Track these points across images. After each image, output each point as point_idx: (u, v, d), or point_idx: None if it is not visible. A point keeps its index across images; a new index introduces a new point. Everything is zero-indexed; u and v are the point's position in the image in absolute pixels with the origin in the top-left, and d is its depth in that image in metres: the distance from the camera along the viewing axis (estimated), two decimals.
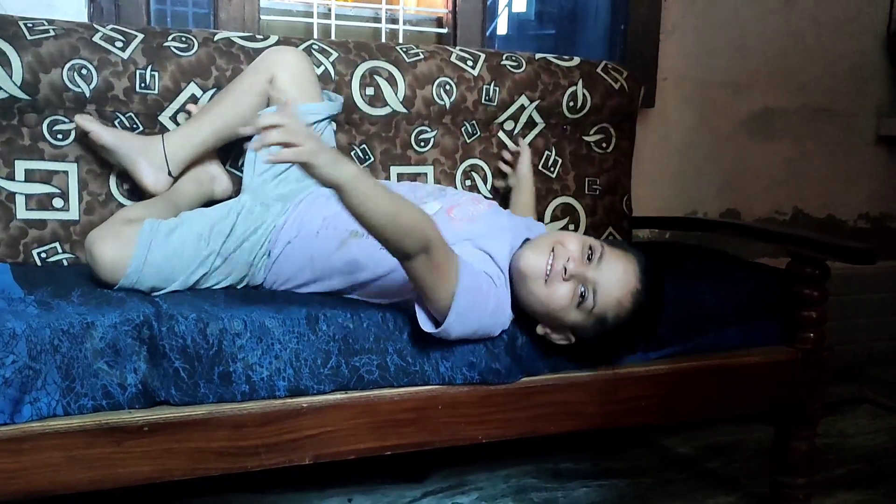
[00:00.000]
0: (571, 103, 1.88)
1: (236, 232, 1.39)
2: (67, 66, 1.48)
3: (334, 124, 1.63)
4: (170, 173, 1.48)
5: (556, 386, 1.35)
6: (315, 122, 1.54)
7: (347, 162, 1.11)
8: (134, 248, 1.28)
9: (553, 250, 1.29)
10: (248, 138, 1.55)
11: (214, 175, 1.56)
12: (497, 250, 1.33)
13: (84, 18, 1.69)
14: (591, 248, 1.29)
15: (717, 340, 1.50)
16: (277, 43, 1.65)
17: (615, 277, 1.28)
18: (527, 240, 1.39)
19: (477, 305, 1.23)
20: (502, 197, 1.82)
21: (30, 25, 1.47)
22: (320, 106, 1.56)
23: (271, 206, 1.44)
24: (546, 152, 1.89)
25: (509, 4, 4.57)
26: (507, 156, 1.82)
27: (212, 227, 1.37)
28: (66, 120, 1.51)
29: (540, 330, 1.31)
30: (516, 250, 1.35)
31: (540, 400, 1.34)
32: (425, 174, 1.78)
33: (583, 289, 1.27)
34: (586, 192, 1.93)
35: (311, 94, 1.55)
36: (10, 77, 1.44)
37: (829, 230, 2.55)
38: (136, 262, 1.28)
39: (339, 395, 1.21)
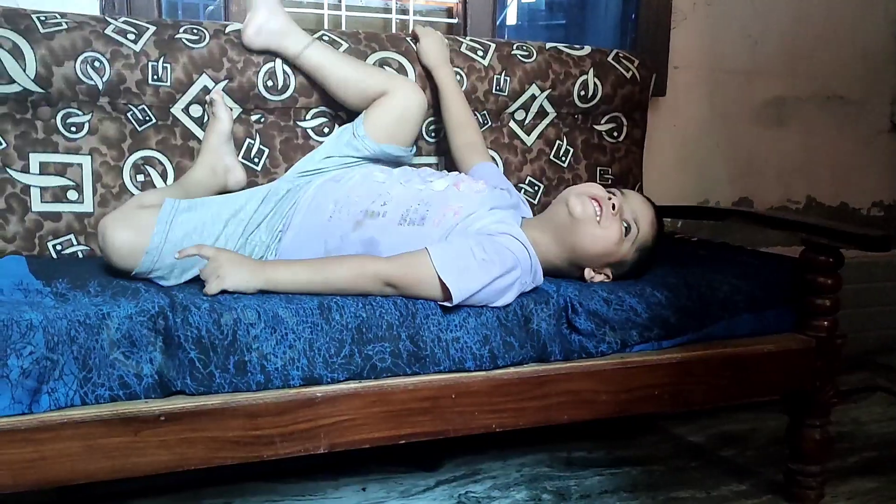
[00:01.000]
0: (583, 92, 1.87)
1: (260, 213, 1.41)
2: (80, 58, 1.49)
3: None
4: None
5: (569, 374, 1.35)
6: (363, 159, 1.57)
7: (256, 268, 1.25)
8: (150, 232, 1.29)
9: (591, 198, 1.42)
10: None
11: (229, 166, 1.57)
12: (502, 218, 1.44)
13: (96, 11, 1.69)
14: (610, 191, 1.46)
15: (730, 328, 1.50)
16: None
17: (643, 206, 1.48)
18: (524, 219, 1.52)
19: (459, 247, 1.30)
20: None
21: (42, 19, 1.48)
22: (380, 146, 1.56)
23: (298, 193, 1.47)
24: (557, 142, 1.89)
25: None
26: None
27: (236, 211, 1.39)
28: (80, 112, 1.52)
29: (587, 273, 1.45)
30: (550, 207, 1.50)
31: (552, 388, 1.34)
32: (436, 164, 1.78)
33: (627, 222, 1.43)
34: (598, 181, 1.92)
35: (399, 135, 1.58)
36: (24, 70, 1.45)
37: (842, 218, 2.54)
38: (156, 240, 1.29)
39: (353, 384, 1.21)
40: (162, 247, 1.29)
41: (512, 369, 1.31)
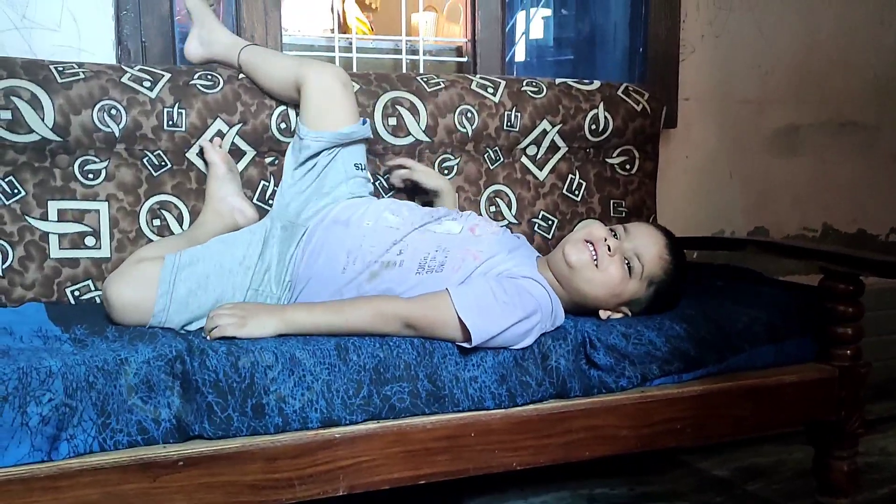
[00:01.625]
0: (593, 126, 1.88)
1: (264, 260, 1.41)
2: (97, 106, 1.51)
3: (358, 147, 1.58)
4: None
5: (589, 410, 1.33)
6: (324, 150, 1.52)
7: (275, 311, 1.26)
8: (153, 287, 1.30)
9: (587, 242, 1.42)
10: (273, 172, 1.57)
11: (236, 206, 1.56)
12: (521, 262, 1.44)
13: (113, 60, 1.72)
14: (612, 229, 1.46)
15: (751, 359, 1.49)
16: None
17: (647, 239, 1.45)
18: (537, 257, 1.52)
19: (480, 289, 1.30)
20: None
21: (60, 69, 1.51)
22: (323, 134, 1.51)
23: (296, 229, 1.46)
24: (570, 176, 1.89)
25: (527, 31, 4.62)
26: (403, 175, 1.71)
27: (240, 260, 1.38)
28: (97, 159, 1.54)
29: (603, 314, 1.43)
30: (551, 254, 1.49)
31: (573, 425, 1.32)
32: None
33: (627, 259, 1.41)
34: (612, 214, 1.92)
35: (337, 116, 1.54)
36: (43, 120, 1.47)
37: (860, 245, 2.51)
38: (161, 302, 1.29)
39: (371, 425, 1.21)
40: (168, 307, 1.30)
41: (531, 406, 1.30)
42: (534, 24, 4.56)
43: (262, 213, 1.62)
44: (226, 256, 1.39)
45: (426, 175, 1.69)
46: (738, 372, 1.47)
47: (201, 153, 1.59)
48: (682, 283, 1.48)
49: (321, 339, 1.22)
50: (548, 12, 4.51)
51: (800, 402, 1.50)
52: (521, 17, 4.43)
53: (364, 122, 1.58)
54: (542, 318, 1.31)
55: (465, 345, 1.25)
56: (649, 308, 1.45)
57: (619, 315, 1.44)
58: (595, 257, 1.41)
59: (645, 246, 1.43)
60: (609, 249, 1.40)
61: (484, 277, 1.36)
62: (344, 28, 2.54)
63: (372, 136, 1.63)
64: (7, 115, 1.45)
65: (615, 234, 1.44)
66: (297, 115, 1.58)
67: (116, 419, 1.09)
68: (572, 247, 1.42)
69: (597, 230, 1.45)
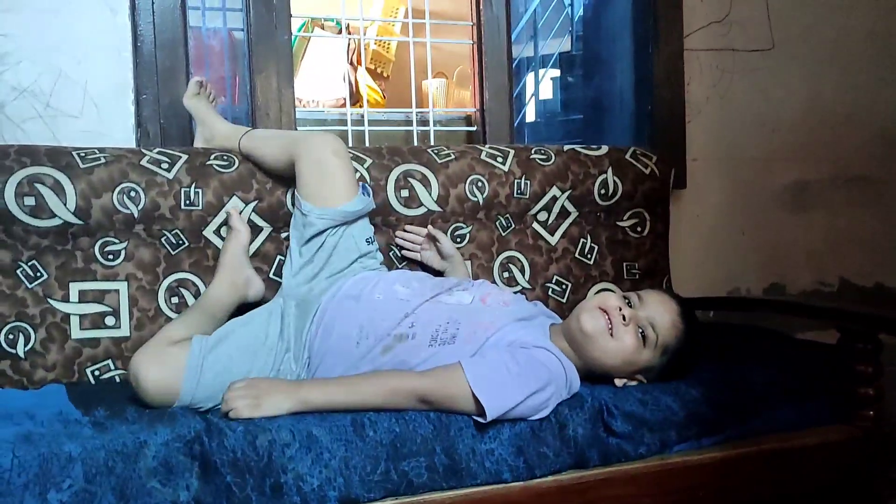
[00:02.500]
0: (603, 191, 1.90)
1: (284, 339, 1.42)
2: (117, 189, 1.56)
3: (364, 221, 1.60)
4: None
5: (609, 479, 1.32)
6: (329, 228, 1.53)
7: (290, 390, 1.26)
8: (182, 370, 1.31)
9: (602, 310, 1.42)
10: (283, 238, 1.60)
11: (249, 277, 1.60)
12: (532, 331, 1.43)
13: (133, 142, 1.78)
14: (625, 297, 1.46)
15: (771, 422, 1.47)
16: None
17: (661, 307, 1.44)
18: (552, 325, 1.51)
19: (494, 370, 1.28)
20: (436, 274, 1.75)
21: (82, 154, 1.56)
22: (326, 211, 1.52)
23: (309, 306, 1.48)
24: (582, 240, 1.91)
25: (536, 93, 4.70)
26: (418, 242, 1.75)
27: (262, 340, 1.41)
28: (117, 240, 1.57)
29: (618, 382, 1.43)
30: (565, 322, 1.49)
31: (593, 496, 1.31)
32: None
33: (641, 328, 1.41)
34: (625, 276, 1.93)
35: (336, 190, 1.54)
36: (65, 204, 1.51)
37: (878, 299, 2.50)
38: (188, 385, 1.31)
39: (389, 502, 1.20)
40: (195, 391, 1.32)
41: (551, 477, 1.29)
42: (543, 86, 4.64)
43: (276, 286, 1.64)
44: (249, 338, 1.42)
45: (448, 244, 1.73)
46: (759, 435, 1.45)
47: (226, 221, 1.63)
48: (696, 350, 1.48)
49: (337, 416, 1.22)
50: (556, 73, 4.60)
51: (823, 466, 1.48)
52: (530, 78, 4.53)
53: (365, 191, 1.60)
54: (556, 389, 1.31)
55: (480, 419, 1.25)
56: (664, 375, 1.44)
57: (635, 382, 1.44)
58: (610, 326, 1.41)
59: (659, 314, 1.43)
60: (624, 319, 1.40)
61: (496, 349, 1.36)
62: (356, 96, 2.61)
63: (375, 207, 1.66)
64: (31, 201, 1.49)
65: (629, 302, 1.44)
66: (296, 190, 1.58)
67: (136, 503, 1.09)
68: (587, 315, 1.42)
69: (611, 299, 1.45)
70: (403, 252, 1.75)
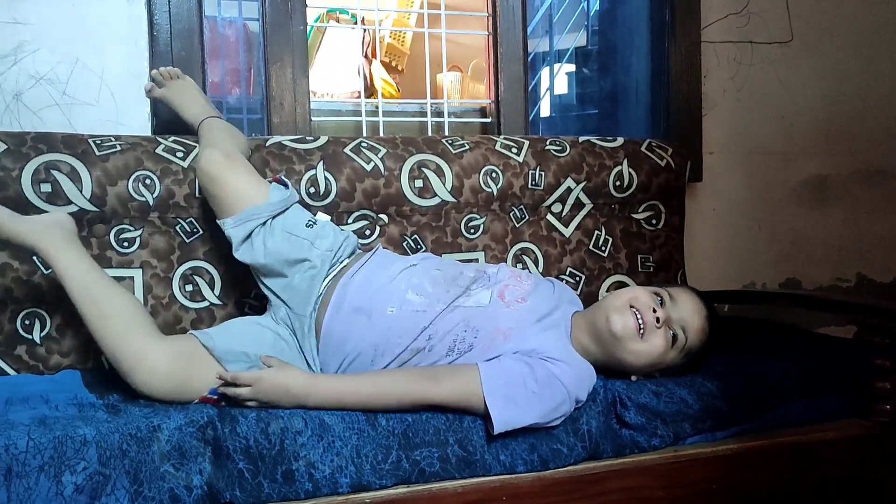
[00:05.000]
0: (618, 183, 1.89)
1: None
2: (132, 177, 1.56)
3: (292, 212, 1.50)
4: None
5: (622, 471, 1.32)
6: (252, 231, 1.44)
7: (301, 394, 1.22)
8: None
9: (633, 307, 1.37)
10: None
11: None
12: (553, 340, 1.37)
13: (148, 131, 1.79)
14: (656, 293, 1.40)
15: (786, 416, 1.45)
16: (324, 147, 1.70)
17: (691, 309, 1.40)
18: (574, 314, 1.45)
19: (511, 383, 1.25)
20: None
21: (98, 142, 1.57)
22: (239, 216, 1.44)
23: (303, 323, 1.42)
24: (596, 232, 1.90)
25: (551, 87, 4.68)
26: None
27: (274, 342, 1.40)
28: (132, 228, 1.58)
29: (633, 378, 1.40)
30: (590, 316, 1.42)
31: (606, 486, 1.30)
32: (476, 260, 1.80)
33: (673, 331, 1.37)
34: (640, 269, 1.92)
35: (234, 198, 1.45)
36: (81, 192, 1.52)
37: None
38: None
39: (401, 489, 1.20)
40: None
41: (563, 468, 1.29)
42: (558, 81, 4.62)
43: None
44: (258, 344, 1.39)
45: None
46: (774, 429, 1.44)
47: None
48: (711, 349, 1.46)
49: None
50: (571, 68, 4.57)
51: (839, 460, 1.46)
52: (545, 73, 4.51)
53: (280, 184, 1.50)
54: (571, 405, 1.28)
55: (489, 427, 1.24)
56: (678, 372, 1.43)
57: (647, 378, 1.42)
58: (641, 327, 1.35)
59: (691, 318, 1.39)
60: (658, 321, 1.35)
61: (516, 358, 1.30)
62: (371, 90, 2.61)
63: (298, 198, 1.56)
64: (47, 187, 1.50)
65: (661, 300, 1.39)
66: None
67: (149, 487, 1.10)
68: (617, 315, 1.36)
69: (643, 296, 1.38)
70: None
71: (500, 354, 1.32)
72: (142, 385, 1.26)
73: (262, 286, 1.48)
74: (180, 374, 1.27)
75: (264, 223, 1.45)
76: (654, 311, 1.36)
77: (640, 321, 1.35)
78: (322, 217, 1.56)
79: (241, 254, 1.45)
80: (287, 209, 1.48)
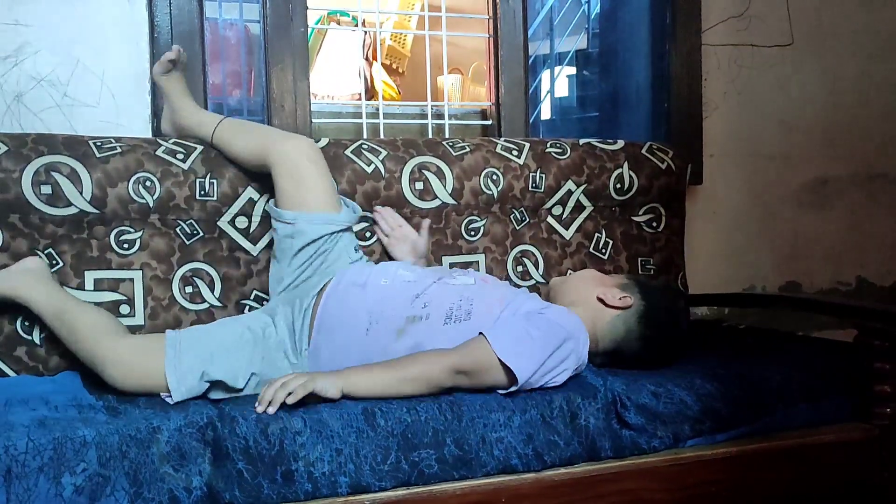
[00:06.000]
0: (618, 185, 1.89)
1: (272, 336, 1.42)
2: (133, 179, 1.56)
3: (350, 236, 1.58)
4: None
5: (621, 473, 1.31)
6: (325, 235, 1.49)
7: (336, 377, 1.24)
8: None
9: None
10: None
11: None
12: (537, 299, 1.54)
13: (149, 133, 1.79)
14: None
15: (787, 419, 1.45)
16: (324, 149, 1.69)
17: (653, 285, 1.60)
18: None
19: (514, 330, 1.34)
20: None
21: (99, 144, 1.57)
22: (315, 216, 1.48)
23: (300, 300, 1.46)
24: (596, 234, 1.90)
25: (552, 90, 4.68)
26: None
27: (240, 336, 1.40)
28: (132, 230, 1.58)
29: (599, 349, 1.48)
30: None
31: (606, 489, 1.30)
32: (477, 262, 1.80)
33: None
34: (640, 271, 1.92)
35: (310, 198, 1.49)
36: (81, 193, 1.52)
37: None
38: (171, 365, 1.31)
39: (400, 491, 1.20)
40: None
41: (563, 469, 1.29)
42: (558, 83, 4.62)
43: None
44: (238, 327, 1.42)
45: (424, 245, 1.70)
46: (774, 432, 1.44)
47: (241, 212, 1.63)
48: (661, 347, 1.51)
49: (348, 404, 1.22)
50: (572, 71, 4.58)
51: (840, 463, 1.46)
52: (545, 76, 4.51)
53: (348, 205, 1.56)
54: (575, 345, 1.37)
55: (513, 388, 1.29)
56: (642, 362, 1.49)
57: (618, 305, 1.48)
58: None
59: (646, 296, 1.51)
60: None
61: (514, 317, 1.39)
62: (371, 92, 2.61)
63: (362, 215, 1.66)
64: (48, 189, 1.50)
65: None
66: (274, 201, 1.53)
67: (148, 488, 1.10)
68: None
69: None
70: (374, 228, 1.72)
71: (498, 319, 1.39)
72: (109, 379, 1.32)
73: (286, 276, 1.51)
74: (140, 368, 1.31)
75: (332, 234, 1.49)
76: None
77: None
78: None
79: (300, 255, 1.49)
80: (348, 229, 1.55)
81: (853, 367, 1.49)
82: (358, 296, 1.43)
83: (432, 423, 1.23)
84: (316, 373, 1.28)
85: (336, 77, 2.65)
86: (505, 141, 1.87)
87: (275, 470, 1.15)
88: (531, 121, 2.27)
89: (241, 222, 1.65)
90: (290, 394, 1.18)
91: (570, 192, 1.86)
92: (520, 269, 1.83)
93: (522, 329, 1.34)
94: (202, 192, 1.61)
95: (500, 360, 1.27)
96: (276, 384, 1.20)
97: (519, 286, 1.76)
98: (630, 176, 1.90)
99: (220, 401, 1.30)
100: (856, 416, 1.49)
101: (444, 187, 1.76)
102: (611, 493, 1.31)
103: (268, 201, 1.59)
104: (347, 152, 1.72)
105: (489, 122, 2.17)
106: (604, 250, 1.90)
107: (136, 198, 1.57)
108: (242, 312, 1.62)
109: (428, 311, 1.39)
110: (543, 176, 1.84)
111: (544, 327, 1.35)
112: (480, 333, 1.31)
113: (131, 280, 1.57)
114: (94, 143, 1.57)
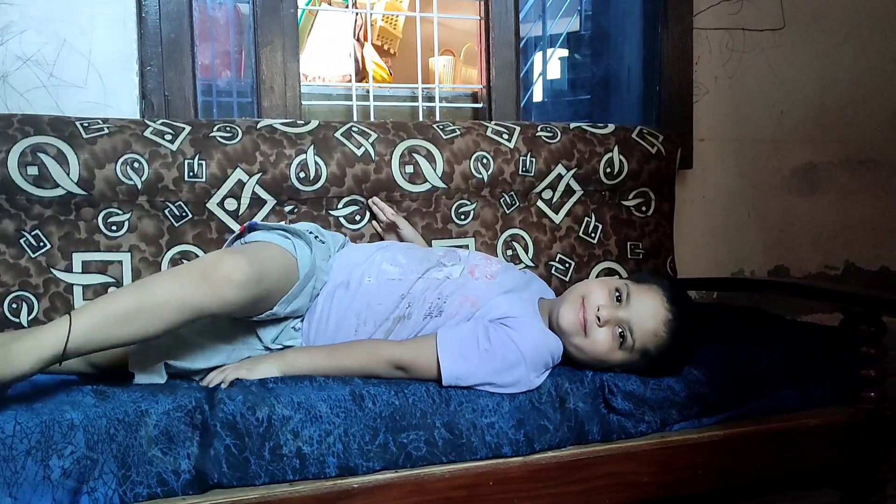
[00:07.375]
0: (608, 170, 1.89)
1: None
2: (121, 160, 1.55)
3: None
4: None
5: (609, 456, 1.32)
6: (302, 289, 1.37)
7: (278, 357, 1.32)
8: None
9: (583, 302, 1.37)
10: None
11: None
12: (520, 308, 1.42)
13: (137, 114, 1.77)
14: (617, 290, 1.37)
15: (773, 403, 1.47)
16: (314, 132, 1.69)
17: (646, 311, 1.35)
18: (541, 299, 1.49)
19: (464, 340, 1.31)
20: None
21: (86, 125, 1.55)
22: (286, 298, 1.33)
23: None
24: (586, 219, 1.90)
25: (544, 73, 4.66)
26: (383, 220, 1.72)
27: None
28: (120, 211, 1.57)
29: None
30: (552, 309, 1.42)
31: (593, 472, 1.31)
32: (467, 246, 1.80)
33: (620, 329, 1.34)
34: (629, 256, 1.92)
35: (275, 286, 1.31)
36: (68, 175, 1.51)
37: (883, 282, 2.49)
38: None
39: (389, 474, 1.20)
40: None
41: (550, 453, 1.30)
42: (551, 65, 4.60)
43: None
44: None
45: (408, 231, 1.72)
46: (760, 416, 1.45)
47: (230, 194, 1.61)
48: (683, 354, 1.39)
49: (336, 387, 1.22)
50: (564, 53, 4.56)
51: (824, 446, 1.48)
52: (537, 58, 4.49)
53: (304, 247, 1.37)
54: (530, 369, 1.30)
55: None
56: (647, 373, 1.37)
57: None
58: (584, 322, 1.35)
59: (641, 319, 1.34)
60: (599, 320, 1.34)
61: (474, 321, 1.37)
62: (362, 73, 2.60)
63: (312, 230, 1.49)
64: (34, 170, 1.49)
65: (619, 296, 1.36)
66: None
67: (137, 471, 1.10)
68: (567, 308, 1.37)
69: (596, 293, 1.37)
70: (372, 222, 1.75)
71: (467, 320, 1.38)
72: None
73: None
74: None
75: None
76: (600, 309, 1.34)
77: (583, 318, 1.36)
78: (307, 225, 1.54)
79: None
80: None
81: (839, 352, 1.50)
82: (343, 298, 1.41)
83: (420, 405, 1.23)
84: (260, 357, 1.33)
85: (327, 58, 2.63)
86: (495, 125, 1.87)
87: (262, 446, 1.15)
88: (523, 103, 2.26)
89: (231, 204, 1.64)
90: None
91: (560, 176, 1.86)
92: (510, 252, 1.83)
93: (473, 335, 1.31)
94: (191, 174, 1.60)
95: (437, 358, 1.28)
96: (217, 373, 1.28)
97: None
98: (620, 160, 1.90)
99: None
100: (841, 401, 1.51)
101: (435, 171, 1.76)
102: (598, 476, 1.32)
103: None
104: (337, 135, 1.71)
105: (480, 105, 2.16)
106: (593, 234, 1.91)
107: (123, 179, 1.55)
108: None
109: (411, 310, 1.40)
110: (534, 160, 1.84)
111: (497, 343, 1.30)
112: (435, 332, 1.33)
113: (119, 262, 1.57)
114: (81, 124, 1.55)
